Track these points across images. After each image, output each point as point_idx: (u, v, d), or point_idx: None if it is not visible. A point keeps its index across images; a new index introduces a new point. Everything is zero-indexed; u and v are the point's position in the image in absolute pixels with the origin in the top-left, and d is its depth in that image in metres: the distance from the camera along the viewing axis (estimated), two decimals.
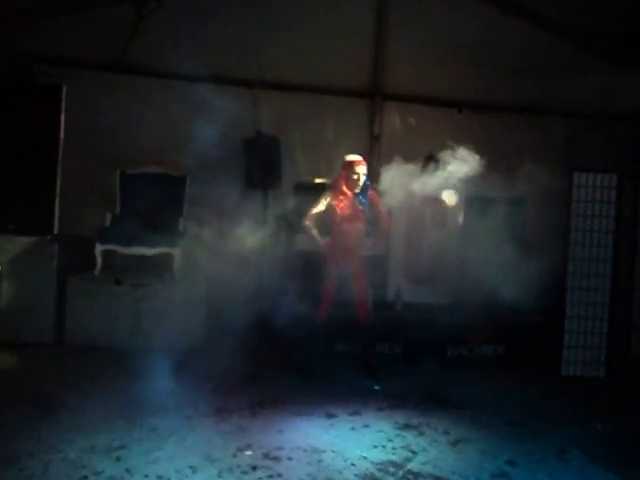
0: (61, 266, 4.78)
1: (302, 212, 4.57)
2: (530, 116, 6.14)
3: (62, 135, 4.94)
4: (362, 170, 4.16)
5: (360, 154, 4.34)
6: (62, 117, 4.95)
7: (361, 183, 4.16)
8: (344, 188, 4.17)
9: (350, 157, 4.23)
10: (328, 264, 4.22)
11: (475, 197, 5.05)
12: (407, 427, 3.42)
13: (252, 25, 5.60)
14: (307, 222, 4.21)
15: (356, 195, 4.18)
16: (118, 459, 2.83)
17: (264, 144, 5.52)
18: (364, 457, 2.99)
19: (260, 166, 5.40)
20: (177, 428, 3.21)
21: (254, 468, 2.80)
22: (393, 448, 3.13)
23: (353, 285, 4.23)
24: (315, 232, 4.23)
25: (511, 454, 3.12)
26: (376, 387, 4.03)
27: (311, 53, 5.75)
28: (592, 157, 5.70)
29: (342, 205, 4.15)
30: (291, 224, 5.19)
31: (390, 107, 6.09)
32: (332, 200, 4.18)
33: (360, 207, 4.19)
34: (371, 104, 6.05)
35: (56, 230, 4.91)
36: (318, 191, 4.69)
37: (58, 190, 4.95)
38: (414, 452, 3.09)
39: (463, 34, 5.86)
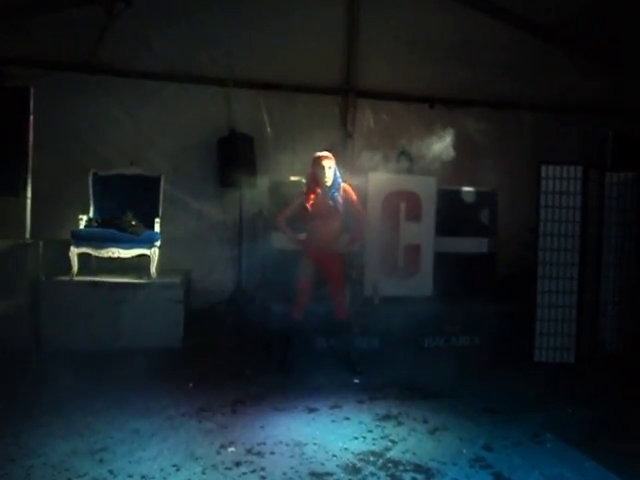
0: (35, 270, 4.72)
1: (278, 210, 4.62)
2: (499, 111, 6.29)
3: (31, 138, 4.87)
4: (328, 164, 4.15)
5: (330, 151, 4.37)
6: (31, 119, 4.87)
7: (329, 177, 4.15)
8: (313, 184, 4.21)
9: (317, 153, 4.24)
10: (302, 259, 4.26)
11: (447, 190, 5.15)
12: (387, 418, 3.49)
13: (223, 24, 5.61)
14: (279, 220, 4.25)
15: (328, 192, 4.19)
16: (101, 461, 2.83)
17: (238, 143, 5.53)
18: (345, 448, 3.05)
19: (234, 165, 5.41)
20: (159, 428, 3.22)
21: (238, 464, 2.84)
22: (373, 439, 3.19)
23: (329, 281, 4.28)
24: (288, 230, 4.27)
25: (487, 439, 3.21)
26: (355, 380, 4.09)
27: (283, 51, 5.80)
28: (559, 149, 5.88)
29: (313, 203, 4.18)
30: (267, 222, 5.22)
31: (363, 103, 6.17)
32: (304, 198, 4.21)
33: (331, 203, 4.17)
34: (344, 101, 6.11)
35: (29, 234, 4.86)
36: (293, 189, 4.74)
37: (30, 193, 4.89)
38: (394, 441, 3.16)
39: (434, 31, 5.98)
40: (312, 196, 4.17)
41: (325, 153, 4.23)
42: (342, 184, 4.23)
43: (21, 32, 5.22)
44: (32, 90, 4.86)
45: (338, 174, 4.22)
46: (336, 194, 4.18)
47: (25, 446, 2.94)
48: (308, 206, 4.15)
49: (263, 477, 2.73)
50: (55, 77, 5.28)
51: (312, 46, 5.83)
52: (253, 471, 2.78)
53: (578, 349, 4.80)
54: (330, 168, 4.16)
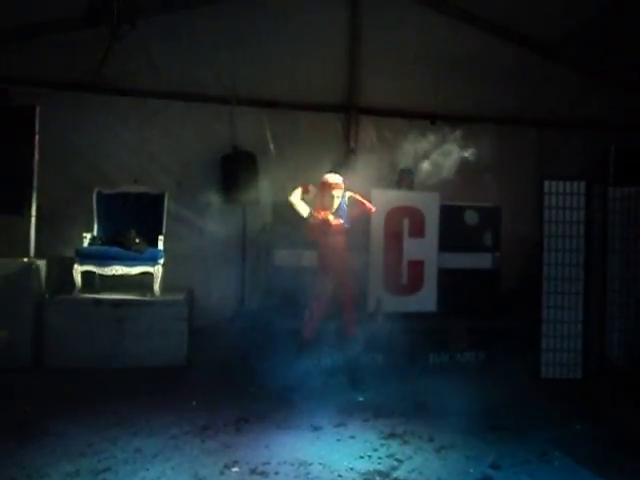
0: (39, 288, 4.72)
1: (281, 228, 4.63)
2: (501, 126, 6.31)
3: (36, 156, 4.91)
4: (337, 194, 4.26)
5: (338, 173, 4.41)
6: (36, 138, 4.92)
7: (335, 205, 4.27)
8: (320, 204, 4.25)
9: (330, 178, 4.29)
10: (318, 276, 4.26)
11: (450, 206, 5.15)
12: (392, 436, 3.45)
13: (226, 42, 5.67)
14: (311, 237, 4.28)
15: (333, 213, 4.28)
16: None
17: (241, 160, 5.56)
18: (351, 468, 3.01)
19: (238, 182, 5.43)
20: (162, 448, 3.19)
21: None
22: (379, 458, 3.16)
23: (341, 294, 4.29)
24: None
25: (495, 458, 3.17)
26: (360, 398, 4.06)
27: (286, 69, 5.84)
28: (561, 164, 5.89)
29: (320, 220, 4.23)
30: (270, 239, 5.22)
31: (365, 120, 6.20)
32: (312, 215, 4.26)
33: (340, 220, 4.28)
34: (346, 118, 6.15)
35: (33, 252, 4.87)
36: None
37: (34, 212, 4.91)
38: (400, 461, 3.12)
39: (435, 48, 6.03)
40: (322, 213, 4.22)
41: (336, 180, 4.28)
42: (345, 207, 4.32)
43: (27, 52, 5.29)
44: (38, 109, 4.92)
45: (345, 200, 4.30)
46: (341, 214, 4.27)
47: (28, 466, 2.92)
48: (319, 221, 4.20)
49: None
50: (60, 96, 5.33)
51: (314, 64, 5.89)
52: None
53: (585, 365, 4.75)
54: (338, 198, 4.27)
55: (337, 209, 4.29)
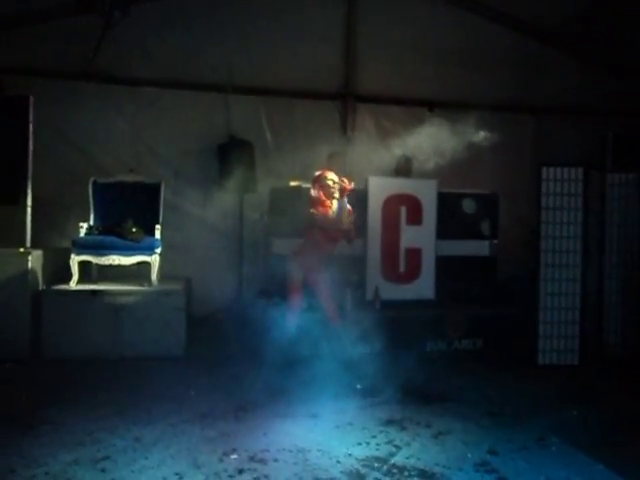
0: (35, 279, 4.71)
1: (278, 216, 4.62)
2: (499, 113, 6.27)
3: (31, 146, 4.88)
4: (332, 176, 4.19)
5: (331, 158, 4.39)
6: (30, 128, 4.88)
7: (337, 189, 4.18)
8: (323, 197, 4.19)
9: (317, 172, 4.25)
10: (291, 263, 4.24)
11: (447, 193, 5.13)
12: (390, 423, 3.46)
13: (221, 30, 5.62)
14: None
15: (338, 206, 4.17)
16: (103, 470, 2.80)
17: (238, 149, 5.53)
18: (349, 454, 3.02)
19: (235, 171, 5.41)
20: (161, 436, 3.19)
21: (240, 471, 2.81)
22: (377, 444, 3.17)
23: (315, 291, 4.28)
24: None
25: (492, 443, 3.18)
26: (358, 385, 4.07)
27: (282, 57, 5.80)
28: (559, 151, 5.87)
29: (325, 220, 4.15)
30: (267, 228, 5.21)
31: (362, 108, 6.17)
32: (316, 212, 4.16)
33: (341, 227, 4.18)
34: (343, 106, 6.11)
35: (30, 242, 4.85)
36: (294, 194, 4.74)
37: (30, 202, 4.89)
38: (398, 447, 3.13)
39: (432, 35, 5.99)
40: (324, 214, 4.14)
41: (335, 179, 4.18)
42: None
43: (19, 41, 5.23)
44: (31, 99, 4.88)
45: (345, 202, 4.21)
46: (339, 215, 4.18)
47: (27, 456, 2.91)
48: (320, 222, 4.11)
49: None
50: (54, 86, 5.29)
51: (311, 51, 5.85)
52: (256, 479, 2.75)
53: (582, 351, 4.77)
54: (332, 180, 4.18)
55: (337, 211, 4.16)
